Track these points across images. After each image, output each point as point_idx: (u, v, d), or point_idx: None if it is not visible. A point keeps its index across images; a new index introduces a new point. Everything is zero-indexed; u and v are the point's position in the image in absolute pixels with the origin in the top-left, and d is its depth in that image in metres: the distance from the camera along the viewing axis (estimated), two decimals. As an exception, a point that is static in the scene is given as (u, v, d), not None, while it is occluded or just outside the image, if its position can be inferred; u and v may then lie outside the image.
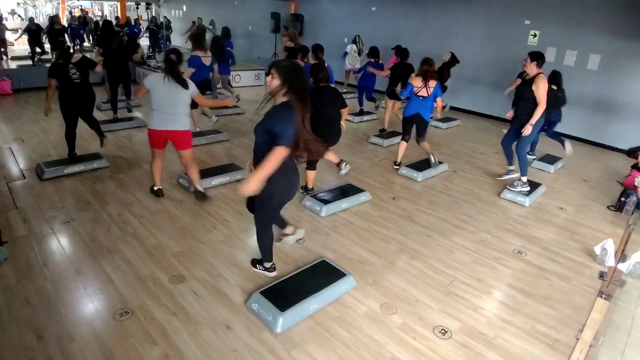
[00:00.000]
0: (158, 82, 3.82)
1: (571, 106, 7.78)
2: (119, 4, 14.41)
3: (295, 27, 12.63)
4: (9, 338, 2.46)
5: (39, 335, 2.48)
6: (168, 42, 16.81)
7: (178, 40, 17.94)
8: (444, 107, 8.19)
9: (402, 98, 5.64)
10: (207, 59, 6.32)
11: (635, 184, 4.97)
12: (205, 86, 6.60)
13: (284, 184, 2.74)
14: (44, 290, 2.86)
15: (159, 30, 15.85)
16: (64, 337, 2.48)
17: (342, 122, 4.51)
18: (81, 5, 23.59)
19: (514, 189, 4.99)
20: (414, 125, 5.43)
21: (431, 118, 6.77)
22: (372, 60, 7.75)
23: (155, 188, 4.34)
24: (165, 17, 17.60)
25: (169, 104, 3.86)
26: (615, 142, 7.61)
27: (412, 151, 6.36)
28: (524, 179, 4.98)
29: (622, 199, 4.86)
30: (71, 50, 4.92)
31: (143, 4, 18.88)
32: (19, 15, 21.69)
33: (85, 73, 4.88)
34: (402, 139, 5.58)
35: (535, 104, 4.61)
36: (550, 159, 6.35)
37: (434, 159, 5.45)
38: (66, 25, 14.17)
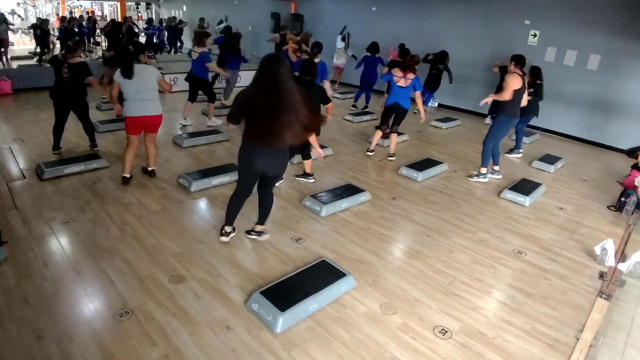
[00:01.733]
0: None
1: (571, 106, 7.82)
2: (119, 4, 14.40)
3: (295, 27, 12.65)
4: (8, 338, 2.46)
5: (39, 336, 2.48)
6: (179, 42, 16.89)
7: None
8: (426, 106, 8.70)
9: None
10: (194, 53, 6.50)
11: (635, 184, 4.97)
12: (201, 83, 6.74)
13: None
14: (44, 291, 2.86)
15: (178, 31, 16.06)
16: (64, 338, 2.48)
17: (328, 116, 4.69)
18: (81, 5, 23.55)
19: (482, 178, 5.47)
20: (393, 114, 5.80)
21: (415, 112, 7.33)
22: (369, 54, 8.08)
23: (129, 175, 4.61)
24: (178, 17, 17.64)
25: (141, 91, 4.30)
26: (615, 142, 7.61)
27: (412, 151, 6.37)
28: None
29: (622, 198, 4.86)
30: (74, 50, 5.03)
31: (143, 4, 18.92)
32: (19, 15, 21.65)
33: (75, 76, 4.95)
34: (378, 128, 6.03)
35: None
36: (550, 159, 6.35)
37: (392, 157, 5.97)
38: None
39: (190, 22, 17.20)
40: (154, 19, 18.41)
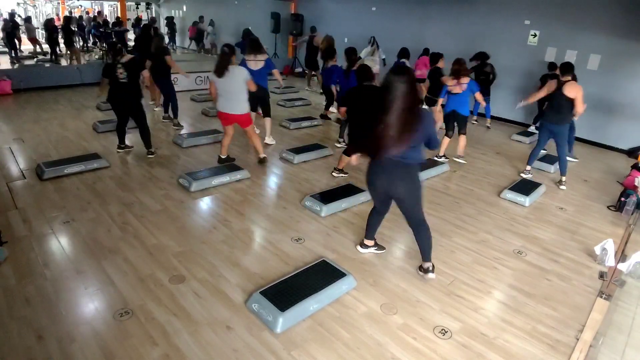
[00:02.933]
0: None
1: (571, 106, 7.78)
2: (119, 4, 14.42)
3: (295, 27, 12.64)
4: (9, 338, 2.46)
5: (39, 335, 2.48)
6: (173, 43, 16.94)
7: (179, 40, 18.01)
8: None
9: (440, 99, 5.98)
10: (256, 63, 5.67)
11: (635, 184, 4.97)
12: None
13: None
14: (44, 290, 2.86)
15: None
16: (64, 337, 2.48)
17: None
18: (81, 5, 23.55)
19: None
20: (454, 121, 5.82)
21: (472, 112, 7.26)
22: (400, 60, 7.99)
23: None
24: (168, 17, 17.66)
25: (227, 90, 4.72)
26: (615, 142, 7.61)
27: (412, 151, 6.35)
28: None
29: (622, 199, 4.86)
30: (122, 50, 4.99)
31: (143, 4, 18.91)
32: (19, 15, 21.66)
33: (132, 74, 4.93)
34: (445, 135, 5.93)
35: None
36: (550, 159, 6.35)
37: (461, 160, 6.07)
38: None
39: (189, 22, 17.21)
40: (142, 19, 18.44)
